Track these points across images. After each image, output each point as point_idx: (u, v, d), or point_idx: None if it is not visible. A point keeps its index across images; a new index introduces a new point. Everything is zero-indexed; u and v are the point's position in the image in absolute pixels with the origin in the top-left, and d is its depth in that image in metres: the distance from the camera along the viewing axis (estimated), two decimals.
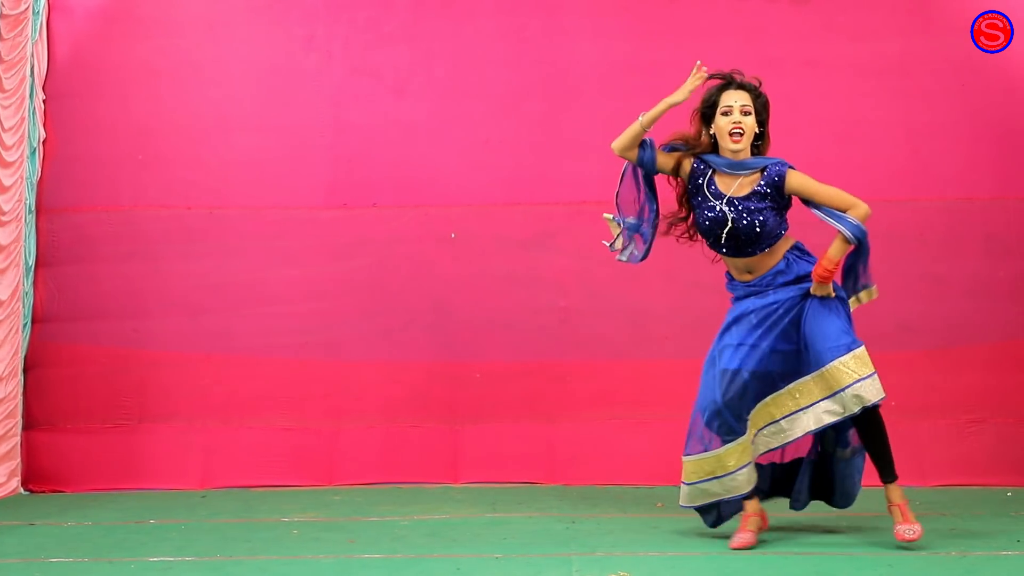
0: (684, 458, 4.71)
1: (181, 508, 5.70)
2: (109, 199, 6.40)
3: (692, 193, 4.62)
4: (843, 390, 4.44)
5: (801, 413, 4.55)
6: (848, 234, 4.47)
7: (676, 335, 6.26)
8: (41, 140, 6.32)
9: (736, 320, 4.65)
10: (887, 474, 4.56)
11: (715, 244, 4.63)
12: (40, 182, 6.34)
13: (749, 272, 4.62)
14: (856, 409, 4.44)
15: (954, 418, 6.14)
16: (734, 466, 4.57)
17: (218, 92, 6.43)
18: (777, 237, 4.58)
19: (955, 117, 6.24)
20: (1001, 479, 6.08)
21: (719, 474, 4.59)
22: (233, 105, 6.43)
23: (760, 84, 4.64)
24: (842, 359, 4.45)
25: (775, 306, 4.57)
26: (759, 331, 4.57)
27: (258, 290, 6.36)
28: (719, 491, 4.63)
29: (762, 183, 4.53)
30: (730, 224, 4.50)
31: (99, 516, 5.50)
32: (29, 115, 6.20)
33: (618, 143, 4.66)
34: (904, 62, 6.27)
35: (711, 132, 4.61)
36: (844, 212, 4.51)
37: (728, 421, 4.55)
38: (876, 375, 4.48)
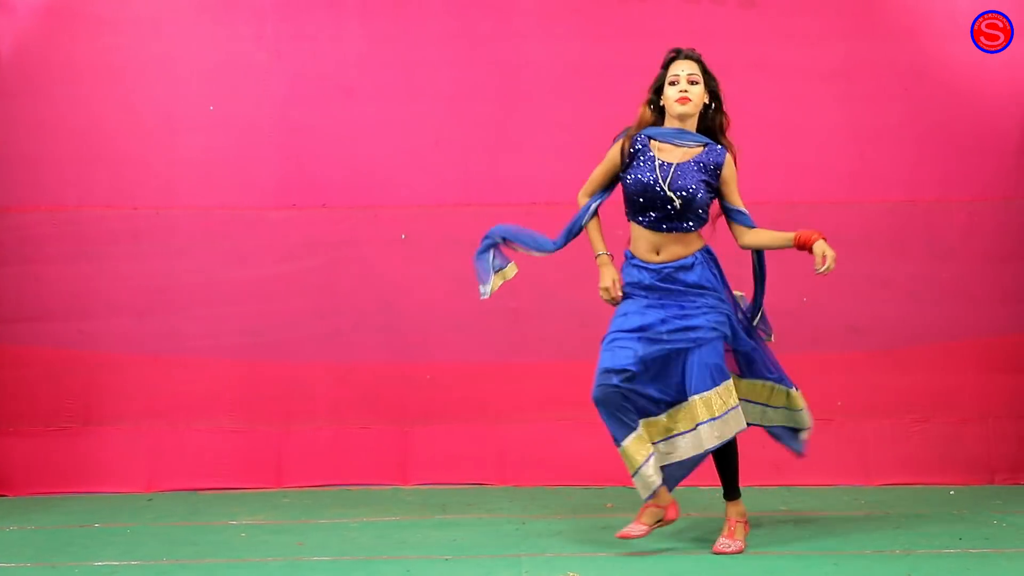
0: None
1: (127, 512, 5.64)
2: (54, 199, 6.32)
3: (627, 164, 4.60)
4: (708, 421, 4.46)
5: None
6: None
7: None
8: None
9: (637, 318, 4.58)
10: (731, 492, 4.68)
11: (639, 209, 4.56)
12: None
13: (658, 252, 4.56)
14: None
15: (899, 418, 6.24)
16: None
17: (165, 91, 6.36)
18: (699, 222, 4.57)
19: (899, 120, 6.33)
20: (945, 478, 6.18)
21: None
22: (180, 104, 6.37)
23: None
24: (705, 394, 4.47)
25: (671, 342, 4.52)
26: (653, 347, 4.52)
27: (206, 291, 6.31)
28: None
29: (702, 156, 4.54)
30: (663, 186, 4.46)
31: (43, 520, 5.44)
32: None
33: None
34: (849, 66, 6.34)
35: (660, 104, 4.62)
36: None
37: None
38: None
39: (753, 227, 4.66)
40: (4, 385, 6.21)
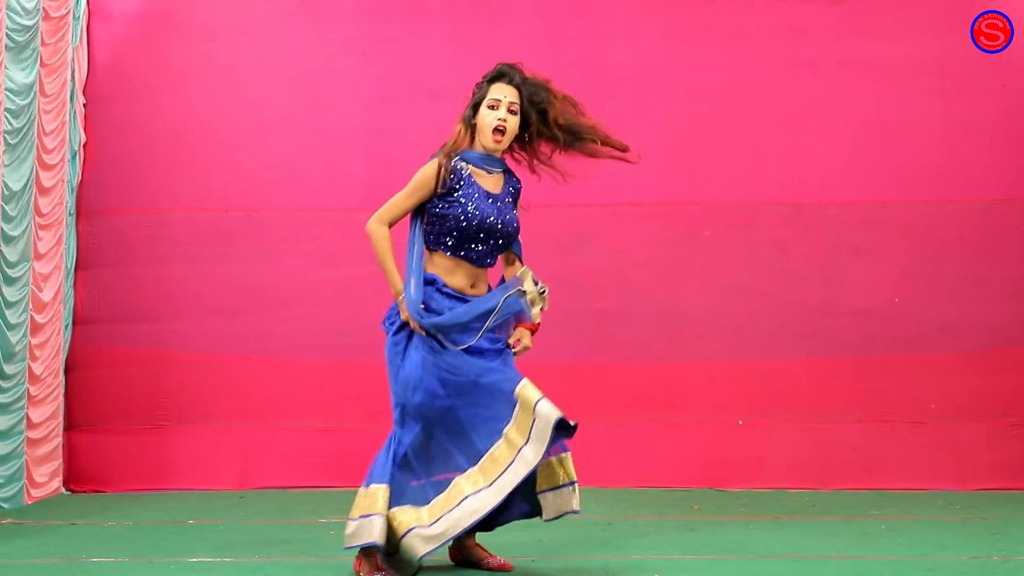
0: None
1: (219, 509, 5.74)
2: (147, 202, 6.46)
3: (449, 190, 4.15)
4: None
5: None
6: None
7: (712, 337, 6.25)
8: (81, 144, 6.39)
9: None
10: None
11: (464, 244, 4.17)
12: (80, 185, 6.41)
13: (473, 284, 4.22)
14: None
15: (995, 421, 6.09)
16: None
17: (255, 95, 6.47)
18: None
19: (995, 117, 6.19)
20: None
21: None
22: (270, 108, 6.47)
23: (547, 84, 4.33)
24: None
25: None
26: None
27: (294, 292, 6.40)
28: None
29: (509, 183, 4.27)
30: (494, 220, 4.15)
31: (139, 516, 5.55)
32: (70, 119, 6.26)
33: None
34: (943, 62, 6.22)
35: (472, 123, 4.23)
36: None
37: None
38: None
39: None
40: (101, 384, 6.36)
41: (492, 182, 4.23)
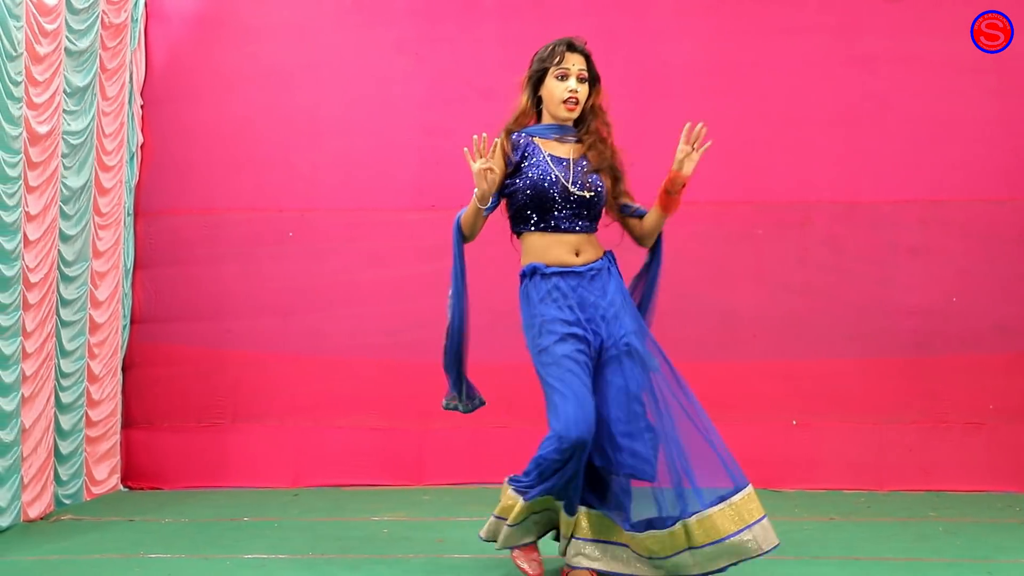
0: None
1: (274, 506, 5.79)
2: (203, 202, 6.52)
3: (516, 166, 4.07)
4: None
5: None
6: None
7: (765, 336, 6.20)
8: (139, 145, 6.47)
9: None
10: None
11: (543, 212, 4.02)
12: (137, 186, 6.49)
13: (577, 253, 4.03)
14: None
15: None
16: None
17: (308, 96, 6.52)
18: (597, 221, 4.11)
19: None
20: None
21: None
22: (323, 109, 6.51)
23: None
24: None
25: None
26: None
27: (347, 291, 6.44)
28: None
29: (589, 151, 4.08)
30: (569, 184, 3.98)
31: (195, 513, 5.61)
32: (128, 120, 6.34)
33: (468, 232, 4.26)
34: (1000, 58, 6.12)
35: (538, 95, 4.10)
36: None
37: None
38: None
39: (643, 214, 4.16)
40: (158, 383, 6.44)
41: (565, 149, 4.08)
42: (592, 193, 4.02)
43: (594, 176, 4.04)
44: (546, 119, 4.12)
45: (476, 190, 4.05)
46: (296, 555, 4.62)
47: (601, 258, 4.07)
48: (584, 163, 4.05)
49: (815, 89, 6.23)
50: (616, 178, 4.10)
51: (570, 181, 3.99)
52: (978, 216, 6.09)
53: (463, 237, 4.28)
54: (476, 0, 6.47)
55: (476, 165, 4.00)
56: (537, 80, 4.10)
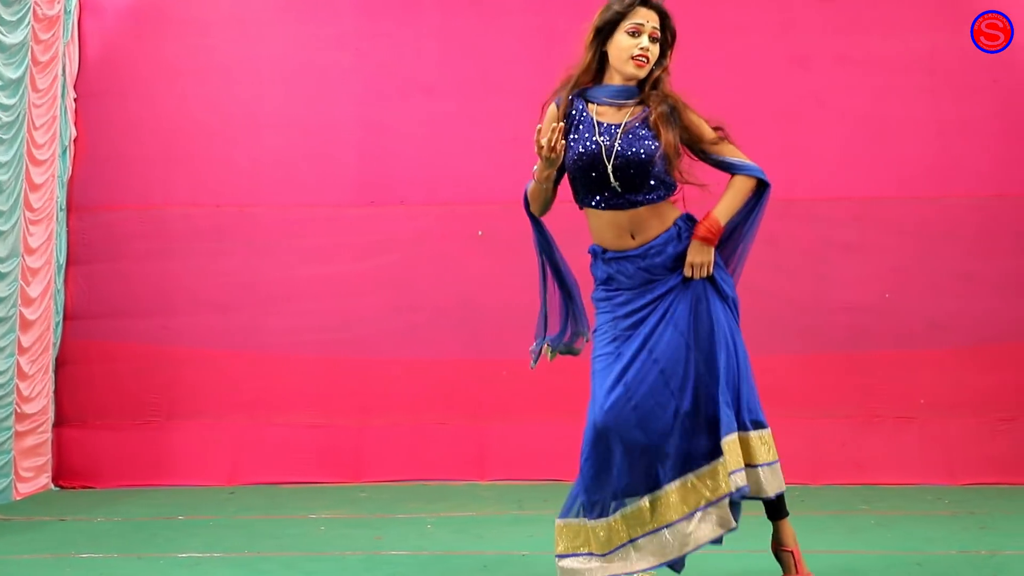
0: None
1: (210, 504, 5.73)
2: (139, 197, 6.44)
3: (564, 132, 3.65)
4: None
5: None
6: (756, 174, 3.64)
7: None
8: (72, 139, 6.37)
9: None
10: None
11: (591, 190, 3.64)
12: (71, 181, 6.39)
13: (632, 235, 3.62)
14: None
15: (984, 416, 6.08)
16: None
17: (248, 91, 6.46)
18: (667, 188, 3.63)
19: (986, 113, 6.18)
20: None
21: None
22: (263, 104, 6.46)
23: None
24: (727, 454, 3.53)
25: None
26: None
27: (287, 288, 6.38)
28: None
29: (645, 112, 3.61)
30: (613, 155, 3.56)
31: (129, 512, 5.53)
32: (60, 114, 6.24)
33: (544, 206, 3.83)
34: (935, 59, 6.21)
35: (602, 50, 3.67)
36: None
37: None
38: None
39: (732, 186, 3.71)
40: (91, 380, 6.34)
41: (620, 114, 3.63)
42: (640, 159, 3.55)
43: (646, 139, 3.57)
44: (609, 78, 3.67)
45: (537, 166, 3.66)
46: (231, 553, 4.57)
47: (666, 231, 3.62)
48: (639, 126, 3.59)
49: (753, 87, 6.27)
50: (685, 128, 3.61)
51: (614, 151, 3.56)
52: (911, 214, 6.18)
53: (533, 215, 3.89)
54: None
55: (543, 152, 3.57)
56: (606, 34, 3.65)
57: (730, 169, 3.67)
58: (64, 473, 6.29)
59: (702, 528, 3.58)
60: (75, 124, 6.39)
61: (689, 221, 3.66)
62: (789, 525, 3.77)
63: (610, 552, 3.57)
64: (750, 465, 3.65)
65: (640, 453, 3.53)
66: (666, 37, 3.66)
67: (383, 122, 6.43)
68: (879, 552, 4.44)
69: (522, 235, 6.30)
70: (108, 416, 6.33)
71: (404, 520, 5.26)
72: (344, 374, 6.32)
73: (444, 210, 6.40)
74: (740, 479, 3.57)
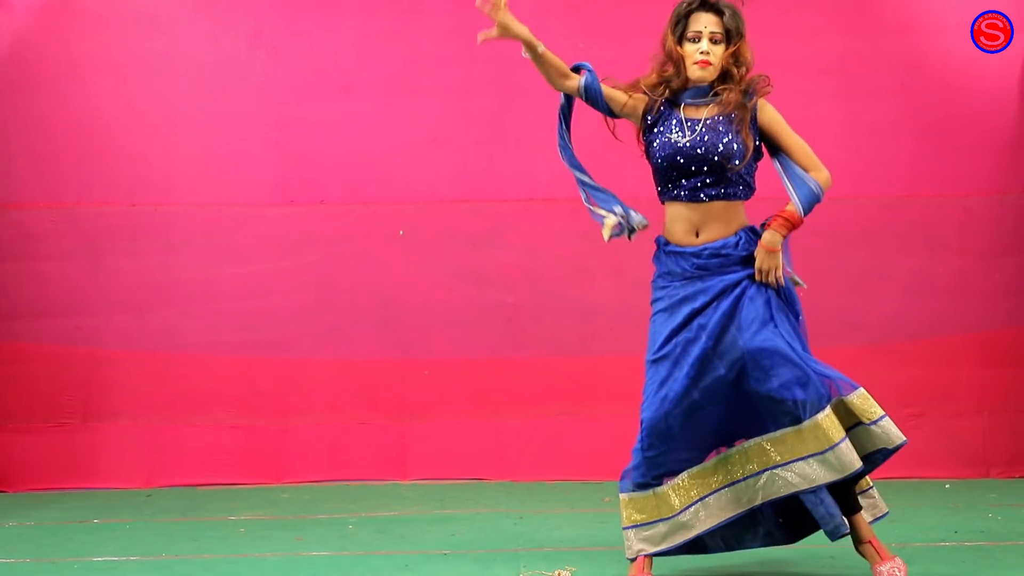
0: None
1: (126, 507, 5.65)
2: (52, 196, 6.32)
3: (648, 127, 3.93)
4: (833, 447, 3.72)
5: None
6: (797, 204, 3.82)
7: (623, 331, 6.31)
8: None
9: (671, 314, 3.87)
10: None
11: (673, 181, 3.84)
12: None
13: (697, 233, 3.83)
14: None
15: (894, 411, 6.04)
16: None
17: (163, 88, 6.36)
18: (740, 188, 3.85)
19: (895, 116, 6.34)
20: (941, 471, 6.19)
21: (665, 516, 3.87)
22: (178, 101, 6.37)
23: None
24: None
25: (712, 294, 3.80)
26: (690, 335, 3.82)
27: (204, 287, 6.32)
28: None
29: (731, 108, 3.85)
30: (692, 147, 3.79)
31: (41, 516, 5.43)
32: None
33: (554, 82, 4.13)
34: (845, 61, 6.35)
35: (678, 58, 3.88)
36: (806, 171, 3.90)
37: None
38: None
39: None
40: (3, 381, 6.21)
41: (702, 111, 3.87)
42: (716, 152, 3.78)
43: (725, 135, 3.81)
44: (688, 83, 3.89)
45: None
46: (149, 556, 4.52)
47: (727, 237, 3.83)
48: (719, 121, 3.83)
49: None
50: (762, 125, 3.88)
51: (694, 143, 3.80)
52: (824, 214, 6.19)
53: (565, 103, 4.18)
54: None
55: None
56: (678, 43, 3.89)
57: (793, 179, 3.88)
58: None
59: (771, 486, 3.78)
60: None
61: (752, 233, 3.86)
62: (861, 518, 3.91)
63: (678, 513, 3.83)
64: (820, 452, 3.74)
65: (699, 436, 3.82)
66: (730, 33, 3.86)
67: (302, 121, 6.39)
68: (794, 545, 4.52)
69: (443, 235, 6.39)
70: (19, 418, 6.20)
71: (325, 521, 5.24)
72: (264, 374, 6.28)
73: (364, 210, 6.38)
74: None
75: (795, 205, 3.82)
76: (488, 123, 6.42)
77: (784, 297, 3.89)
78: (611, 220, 3.95)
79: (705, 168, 3.80)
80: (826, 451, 3.72)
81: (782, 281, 3.85)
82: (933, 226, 6.33)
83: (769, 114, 3.90)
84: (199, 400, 6.27)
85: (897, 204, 6.35)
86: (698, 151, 3.79)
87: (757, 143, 3.89)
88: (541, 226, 6.39)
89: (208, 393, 6.27)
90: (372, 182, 6.37)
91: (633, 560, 3.93)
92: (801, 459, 3.73)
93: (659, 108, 3.91)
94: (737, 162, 3.80)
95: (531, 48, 4.03)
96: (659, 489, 3.87)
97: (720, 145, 3.78)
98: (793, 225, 3.83)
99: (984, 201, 6.33)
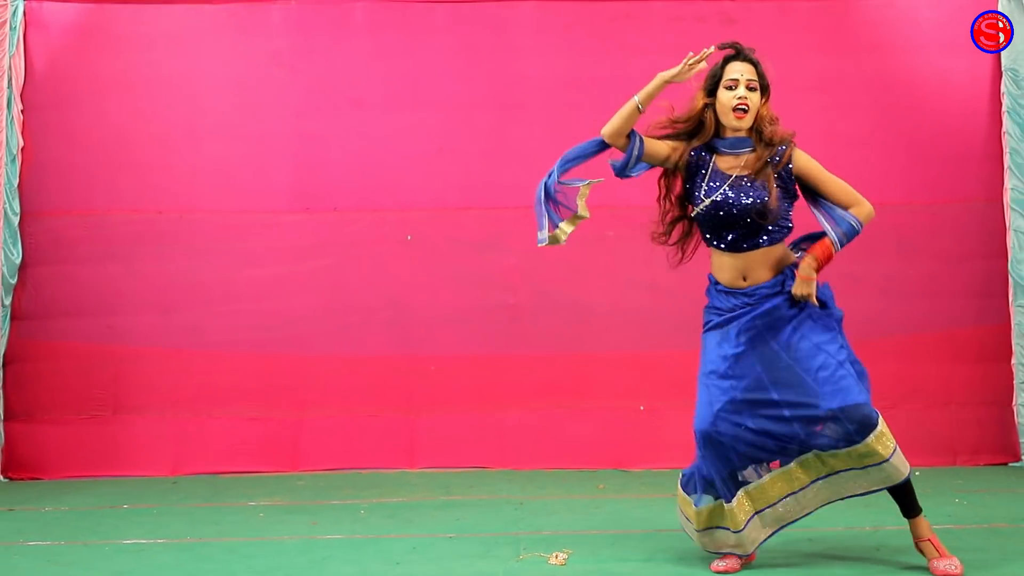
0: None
1: (153, 494, 5.66)
2: (84, 204, 6.35)
3: (690, 179, 3.89)
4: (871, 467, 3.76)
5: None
6: (835, 239, 3.80)
7: (616, 329, 6.33)
8: (19, 148, 6.25)
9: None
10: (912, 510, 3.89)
11: (713, 233, 3.85)
12: (19, 187, 6.26)
13: (744, 277, 3.84)
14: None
15: None
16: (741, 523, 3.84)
17: (187, 103, 6.39)
18: (782, 232, 3.83)
19: (869, 130, 6.36)
20: (911, 460, 6.11)
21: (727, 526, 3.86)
22: (202, 116, 6.40)
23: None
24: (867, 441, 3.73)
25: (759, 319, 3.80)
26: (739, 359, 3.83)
27: (226, 289, 6.34)
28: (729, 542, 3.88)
29: (762, 162, 3.78)
30: (732, 203, 3.75)
31: (75, 502, 5.45)
32: (7, 124, 6.13)
33: (609, 128, 3.83)
34: (824, 79, 6.37)
35: (713, 108, 3.85)
36: (847, 209, 3.85)
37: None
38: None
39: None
40: (39, 377, 6.24)
41: (736, 163, 3.82)
42: (748, 208, 3.74)
43: (754, 189, 3.76)
44: (724, 131, 3.86)
45: (648, 87, 3.78)
46: (174, 539, 4.53)
47: (774, 278, 3.82)
48: (747, 176, 3.79)
49: (656, 102, 6.33)
50: (783, 186, 3.79)
51: (729, 197, 3.76)
52: (802, 221, 6.30)
53: (603, 141, 3.91)
54: (348, 15, 6.44)
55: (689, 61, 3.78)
56: (709, 92, 3.86)
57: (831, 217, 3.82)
58: (13, 465, 6.17)
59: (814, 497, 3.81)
60: (22, 134, 6.27)
61: (791, 274, 3.82)
62: (922, 519, 3.89)
63: (742, 528, 3.82)
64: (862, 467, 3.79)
65: (748, 447, 3.78)
66: (763, 86, 3.83)
67: (317, 134, 6.42)
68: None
69: (448, 239, 6.41)
70: (55, 411, 6.23)
71: (338, 506, 5.26)
72: (281, 370, 6.30)
73: (375, 216, 6.40)
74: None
75: (832, 240, 3.80)
76: (490, 135, 6.44)
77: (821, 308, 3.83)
78: (543, 234, 4.04)
79: (746, 219, 3.77)
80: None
81: (815, 302, 3.81)
82: (905, 232, 6.35)
83: (804, 162, 3.84)
84: (221, 394, 6.29)
85: None
86: (734, 210, 3.77)
87: (793, 188, 3.83)
88: (533, 233, 6.41)
89: (229, 387, 6.29)
90: (382, 191, 6.39)
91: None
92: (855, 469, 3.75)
93: (698, 160, 3.86)
94: (776, 220, 3.78)
95: (647, 101, 3.85)
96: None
97: (761, 200, 3.74)
98: (828, 257, 3.80)
99: (952, 208, 6.35)
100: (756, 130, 3.83)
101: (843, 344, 3.87)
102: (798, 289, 3.77)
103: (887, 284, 6.33)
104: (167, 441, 6.23)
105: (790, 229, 3.87)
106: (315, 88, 6.43)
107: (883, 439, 3.76)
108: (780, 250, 3.86)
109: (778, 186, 3.79)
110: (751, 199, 3.75)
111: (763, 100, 3.84)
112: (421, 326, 6.34)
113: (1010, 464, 6.24)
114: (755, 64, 3.85)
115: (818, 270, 3.78)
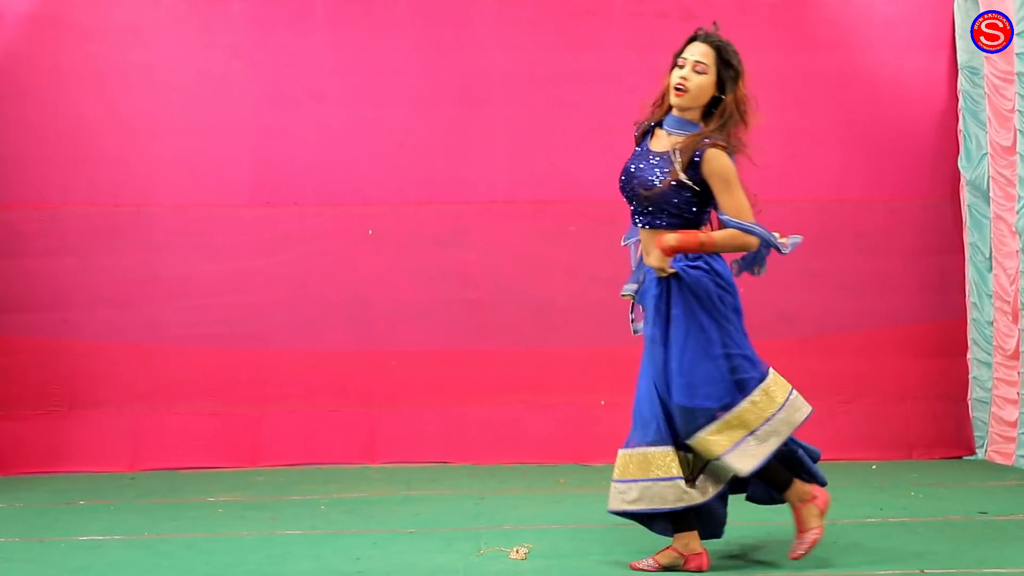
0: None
1: (110, 490, 5.62)
2: (39, 197, 6.28)
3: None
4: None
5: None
6: (712, 235, 3.69)
7: (577, 325, 6.36)
8: None
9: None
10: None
11: (631, 207, 3.80)
12: None
13: (647, 254, 3.77)
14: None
15: (826, 399, 6.31)
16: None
17: (145, 96, 6.34)
18: (679, 222, 3.66)
19: (828, 125, 6.43)
20: (867, 454, 6.30)
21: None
22: (159, 109, 6.35)
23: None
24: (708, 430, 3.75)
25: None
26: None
27: (184, 284, 6.30)
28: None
29: (684, 148, 3.64)
30: (632, 174, 3.70)
31: (30, 498, 5.40)
32: None
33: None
34: (784, 77, 6.43)
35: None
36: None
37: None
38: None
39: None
40: None
41: (668, 142, 3.70)
42: (643, 184, 3.65)
43: (656, 168, 3.65)
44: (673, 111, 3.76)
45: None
46: (132, 535, 4.50)
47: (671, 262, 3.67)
48: (661, 155, 3.67)
49: (618, 98, 6.39)
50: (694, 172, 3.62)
51: (630, 168, 3.70)
52: (760, 216, 6.37)
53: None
54: (308, 9, 6.41)
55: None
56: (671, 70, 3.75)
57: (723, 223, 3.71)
58: None
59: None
60: None
61: (699, 266, 3.70)
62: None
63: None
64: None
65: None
66: (725, 71, 3.69)
67: (276, 127, 6.38)
68: (730, 523, 4.58)
69: (409, 234, 6.40)
70: (10, 407, 6.16)
71: (298, 502, 5.25)
72: (241, 365, 6.27)
73: (336, 210, 6.38)
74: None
75: (706, 232, 3.70)
76: (452, 130, 6.44)
77: (703, 298, 3.75)
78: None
79: (637, 193, 3.70)
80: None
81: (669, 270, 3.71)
82: (862, 227, 6.43)
83: (713, 166, 3.62)
84: (179, 389, 6.25)
85: (829, 207, 6.44)
86: (632, 182, 3.71)
87: (703, 185, 3.65)
88: (501, 227, 6.43)
89: (187, 382, 6.25)
90: (342, 185, 6.38)
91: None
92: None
93: (643, 132, 3.82)
94: (672, 206, 3.64)
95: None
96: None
97: (652, 179, 3.65)
98: (695, 243, 3.63)
99: (908, 204, 6.44)
100: (707, 117, 3.71)
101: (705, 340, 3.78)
102: (652, 262, 3.73)
103: (844, 280, 6.40)
104: (124, 437, 6.18)
105: (690, 223, 3.68)
106: (275, 81, 6.39)
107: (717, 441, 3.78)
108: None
109: (687, 179, 3.61)
110: (644, 175, 3.66)
111: (730, 89, 3.70)
112: (382, 321, 6.34)
113: (965, 458, 6.34)
114: (718, 48, 3.71)
115: (677, 249, 3.62)
